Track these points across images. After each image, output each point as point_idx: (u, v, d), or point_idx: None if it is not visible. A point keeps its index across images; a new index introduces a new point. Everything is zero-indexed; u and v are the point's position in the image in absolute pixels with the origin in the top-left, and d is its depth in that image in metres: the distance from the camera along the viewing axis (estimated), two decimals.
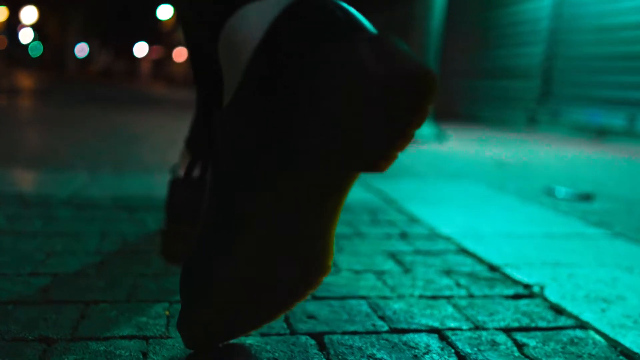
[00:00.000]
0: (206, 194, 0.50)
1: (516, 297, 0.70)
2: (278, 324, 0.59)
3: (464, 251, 0.90)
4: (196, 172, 0.81)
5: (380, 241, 0.93)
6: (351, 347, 0.54)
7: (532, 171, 2.07)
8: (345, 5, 0.44)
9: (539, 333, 0.60)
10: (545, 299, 0.69)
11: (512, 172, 2.01)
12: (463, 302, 0.67)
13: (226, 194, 0.47)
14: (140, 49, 24.48)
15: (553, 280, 0.77)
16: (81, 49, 22.36)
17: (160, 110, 4.53)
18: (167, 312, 0.61)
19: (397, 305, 0.65)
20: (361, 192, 1.38)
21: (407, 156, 2.35)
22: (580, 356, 0.55)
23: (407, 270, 0.79)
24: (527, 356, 0.54)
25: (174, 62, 20.71)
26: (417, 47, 3.67)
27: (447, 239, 0.97)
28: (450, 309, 0.65)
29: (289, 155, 0.43)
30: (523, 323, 0.62)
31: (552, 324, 0.62)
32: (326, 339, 0.56)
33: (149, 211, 1.06)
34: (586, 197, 1.45)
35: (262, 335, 0.56)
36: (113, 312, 0.60)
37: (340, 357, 0.52)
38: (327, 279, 0.73)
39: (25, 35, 25.32)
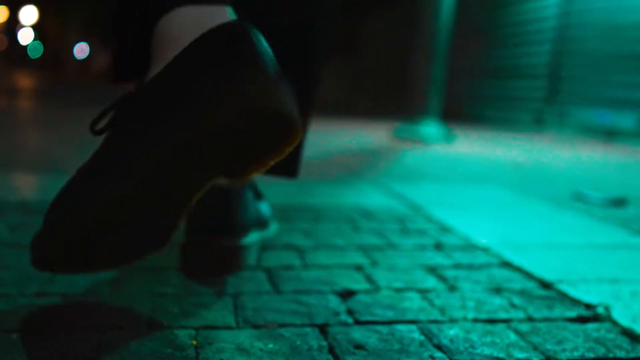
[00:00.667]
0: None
1: (581, 320, 0.63)
2: (323, 356, 0.51)
3: (508, 265, 0.82)
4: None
5: (415, 253, 0.86)
6: None
7: (549, 173, 1.99)
8: (261, 43, 0.51)
9: None
10: (614, 323, 0.62)
11: (530, 174, 1.93)
12: (524, 327, 0.60)
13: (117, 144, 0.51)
14: None
15: (616, 299, 0.69)
16: (81, 50, 22.25)
17: None
18: (194, 342, 0.53)
19: (453, 332, 0.58)
20: (382, 197, 1.31)
21: (419, 157, 2.27)
22: None
23: (452, 287, 0.71)
24: None
25: None
26: (425, 47, 3.60)
27: (485, 250, 0.89)
28: (512, 336, 0.57)
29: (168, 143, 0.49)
30: (599, 353, 0.54)
31: (632, 354, 0.54)
32: None
33: None
34: (619, 202, 1.38)
35: None
36: (133, 342, 0.52)
37: None
38: (367, 298, 0.66)
39: (25, 36, 25.23)
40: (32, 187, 1.21)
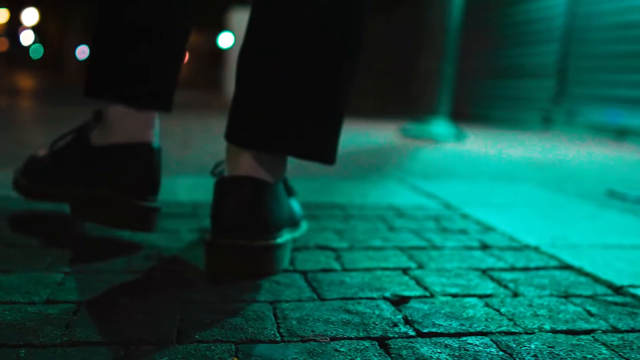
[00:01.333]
0: None
1: None
2: None
3: (568, 267, 0.74)
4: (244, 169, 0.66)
5: (462, 254, 0.78)
6: None
7: (573, 171, 1.91)
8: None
9: None
10: None
11: (552, 172, 1.85)
12: (614, 340, 0.51)
13: None
14: None
15: None
16: (82, 51, 22.20)
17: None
18: (234, 359, 0.45)
19: (534, 346, 0.49)
20: (411, 194, 1.22)
21: (434, 155, 2.19)
22: None
23: (515, 293, 0.63)
24: None
25: None
26: (436, 45, 3.52)
27: (536, 249, 0.81)
28: (604, 351, 0.49)
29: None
30: None
31: None
32: None
33: (178, 219, 0.90)
34: None
35: None
36: (163, 359, 0.44)
37: None
38: (423, 306, 0.57)
39: (26, 37, 25.19)
40: None
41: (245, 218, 0.63)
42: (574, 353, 0.48)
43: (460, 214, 1.04)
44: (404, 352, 0.47)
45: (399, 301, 0.59)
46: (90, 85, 0.75)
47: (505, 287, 0.65)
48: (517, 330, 0.53)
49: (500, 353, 0.48)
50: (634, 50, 4.51)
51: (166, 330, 0.49)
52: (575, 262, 0.75)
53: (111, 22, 0.73)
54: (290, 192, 0.76)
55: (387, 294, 0.61)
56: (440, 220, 0.99)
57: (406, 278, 0.66)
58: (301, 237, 0.79)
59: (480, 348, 0.48)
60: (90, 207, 0.72)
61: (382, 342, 0.49)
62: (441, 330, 0.52)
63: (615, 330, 0.54)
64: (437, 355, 0.47)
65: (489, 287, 0.65)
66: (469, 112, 6.30)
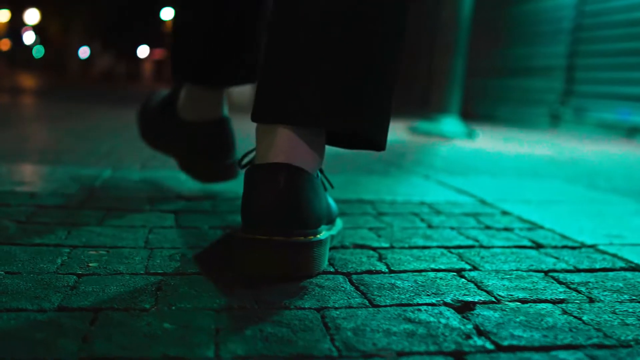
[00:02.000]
0: None
1: None
2: None
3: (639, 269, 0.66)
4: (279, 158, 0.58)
5: (516, 254, 0.70)
6: None
7: (596, 168, 1.83)
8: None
9: None
10: None
11: (577, 169, 1.77)
12: None
13: None
14: (142, 51, 24.23)
15: None
16: (83, 52, 22.15)
17: None
18: None
19: None
20: (441, 190, 1.15)
21: (451, 152, 2.12)
22: None
23: (590, 299, 0.55)
24: None
25: None
26: (447, 42, 3.44)
27: (593, 248, 0.73)
28: None
29: None
30: None
31: None
32: None
33: (198, 215, 0.82)
34: None
35: None
36: None
37: None
38: (493, 314, 0.50)
39: (28, 38, 25.14)
40: (43, 179, 1.05)
41: (281, 211, 0.55)
42: None
43: (500, 211, 0.96)
44: None
45: (463, 307, 0.51)
46: (176, 68, 0.91)
47: (577, 291, 0.57)
48: (610, 343, 0.45)
49: None
50: None
51: (201, 343, 0.42)
52: None
53: (191, 13, 0.88)
54: (324, 187, 0.69)
55: (448, 299, 0.53)
56: (480, 217, 0.91)
57: (463, 281, 0.59)
58: (337, 236, 0.71)
59: None
60: (188, 165, 0.95)
61: (459, 357, 0.41)
62: (523, 343, 0.44)
63: None
64: None
65: (558, 291, 0.57)
66: (475, 111, 6.22)
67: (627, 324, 0.49)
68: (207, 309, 0.48)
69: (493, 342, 0.44)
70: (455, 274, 0.61)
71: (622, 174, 1.73)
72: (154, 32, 21.16)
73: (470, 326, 0.47)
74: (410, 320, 0.47)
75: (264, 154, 0.59)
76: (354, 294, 0.53)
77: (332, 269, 0.60)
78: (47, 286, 0.51)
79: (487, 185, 1.26)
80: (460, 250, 0.71)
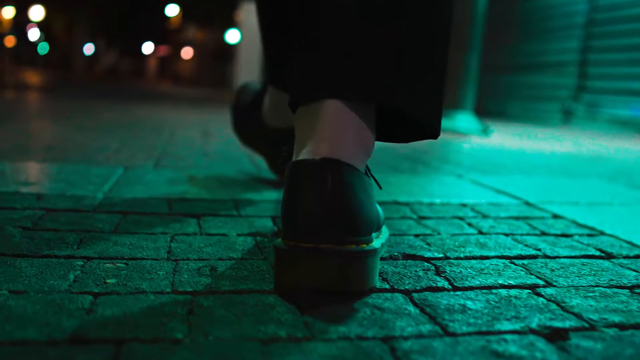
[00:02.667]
0: None
1: None
2: None
3: None
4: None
5: (588, 266, 0.62)
6: None
7: (626, 166, 1.74)
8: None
9: None
10: None
11: (607, 167, 1.69)
12: None
13: None
14: (147, 47, 24.16)
15: None
16: (88, 49, 22.15)
17: (174, 106, 4.22)
18: None
19: None
20: (479, 191, 1.06)
21: (471, 149, 2.03)
22: None
23: None
24: None
25: (181, 60, 20.27)
26: (461, 37, 3.35)
27: None
28: None
29: None
30: None
31: None
32: None
33: (221, 218, 0.74)
34: None
35: None
36: None
37: None
38: (593, 344, 0.41)
39: (33, 34, 25.12)
40: (51, 179, 0.97)
41: (330, 215, 0.47)
42: None
43: (551, 215, 0.88)
44: None
45: (554, 335, 0.43)
46: (269, 76, 0.92)
47: None
48: None
49: None
50: None
51: None
52: None
53: (272, 22, 0.87)
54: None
55: (534, 325, 0.44)
56: (531, 221, 0.83)
57: (542, 300, 0.50)
58: (385, 244, 0.63)
59: None
60: (277, 170, 0.98)
61: None
62: None
63: None
64: None
65: None
66: (486, 107, 6.11)
67: None
68: (252, 339, 0.40)
69: None
70: (530, 291, 0.53)
71: None
72: (158, 29, 21.07)
73: None
74: (499, 355, 0.39)
75: (306, 148, 0.51)
76: (421, 319, 0.45)
77: (387, 286, 0.52)
78: (58, 309, 0.43)
79: (525, 185, 1.18)
80: (525, 261, 0.62)
